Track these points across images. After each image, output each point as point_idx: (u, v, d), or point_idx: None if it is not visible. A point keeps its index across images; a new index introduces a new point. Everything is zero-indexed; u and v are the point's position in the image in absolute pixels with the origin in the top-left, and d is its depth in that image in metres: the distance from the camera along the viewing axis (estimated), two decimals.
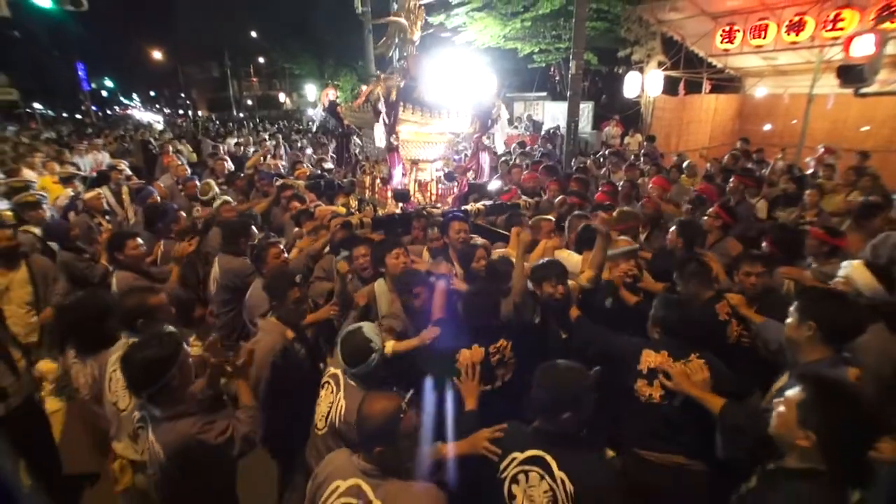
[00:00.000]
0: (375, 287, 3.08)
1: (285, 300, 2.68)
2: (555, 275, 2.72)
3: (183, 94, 54.04)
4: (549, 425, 1.77)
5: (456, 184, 4.93)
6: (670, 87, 11.91)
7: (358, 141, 6.30)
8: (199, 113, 46.12)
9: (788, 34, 8.71)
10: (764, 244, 3.41)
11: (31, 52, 38.82)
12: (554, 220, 4.02)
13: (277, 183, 5.76)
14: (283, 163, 8.66)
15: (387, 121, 4.22)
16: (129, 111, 53.21)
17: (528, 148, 10.28)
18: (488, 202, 4.80)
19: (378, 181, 4.83)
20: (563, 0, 11.66)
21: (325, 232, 3.85)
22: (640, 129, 12.23)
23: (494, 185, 5.46)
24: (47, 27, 31.52)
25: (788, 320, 2.09)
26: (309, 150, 13.48)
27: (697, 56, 11.98)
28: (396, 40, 4.93)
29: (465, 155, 6.52)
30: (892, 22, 7.06)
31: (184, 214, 4.76)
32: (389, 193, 4.54)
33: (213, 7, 38.24)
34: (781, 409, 1.55)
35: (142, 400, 1.96)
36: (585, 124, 13.42)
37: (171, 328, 2.07)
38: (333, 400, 2.21)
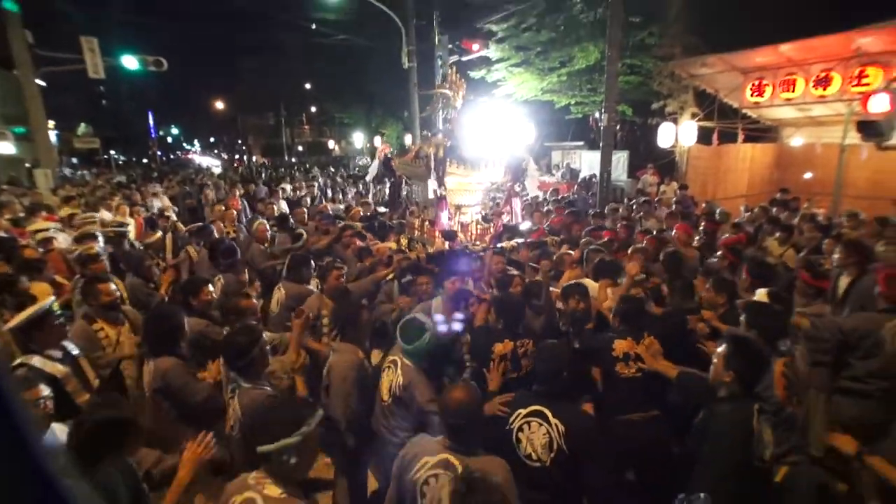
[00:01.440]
0: (433, 303, 3.82)
1: (358, 321, 3.17)
2: (579, 293, 3.53)
3: (240, 141, 57.72)
4: (547, 387, 2.43)
5: (492, 225, 5.94)
6: (704, 137, 12.25)
7: (407, 189, 7.16)
8: (254, 158, 49.11)
9: (816, 88, 9.04)
10: (744, 277, 3.98)
11: (112, 104, 43.12)
12: (576, 255, 4.74)
13: (340, 224, 6.36)
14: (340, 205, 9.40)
15: (436, 174, 5.32)
16: (189, 156, 57.05)
17: (560, 196, 10.77)
18: (520, 240, 5.52)
19: (426, 223, 5.85)
20: (597, 56, 12.34)
21: (383, 267, 4.57)
22: (675, 177, 12.54)
23: (525, 225, 6.41)
24: (127, 82, 34.90)
25: (741, 327, 2.89)
26: (350, 195, 14.52)
27: (731, 107, 12.33)
28: (440, 105, 6.03)
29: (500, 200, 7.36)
30: None
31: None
32: (437, 233, 5.49)
33: (273, 60, 40.88)
34: (715, 360, 2.37)
35: (233, 374, 2.59)
36: (621, 173, 13.83)
37: (254, 322, 2.88)
38: (393, 377, 2.84)
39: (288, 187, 14.35)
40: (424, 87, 17.03)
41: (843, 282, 4.19)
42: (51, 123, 17.70)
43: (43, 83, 13.66)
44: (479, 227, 5.91)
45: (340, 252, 5.71)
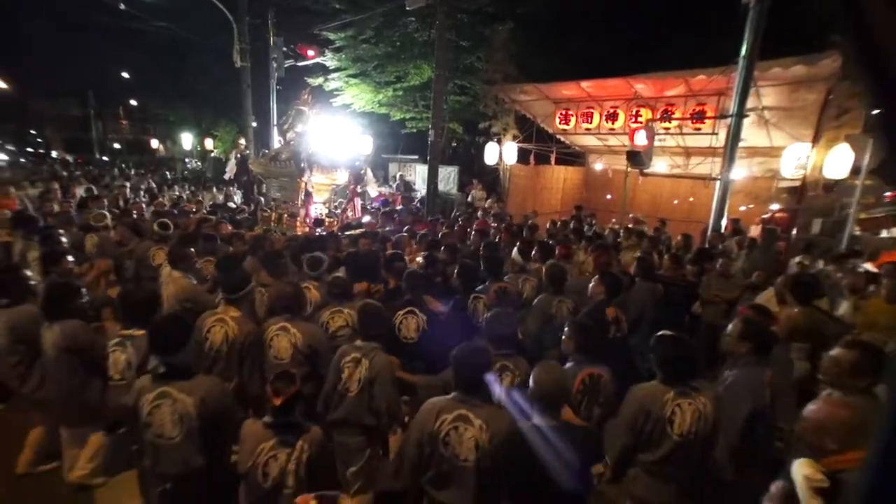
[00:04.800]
0: None
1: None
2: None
3: (34, 132, 48.21)
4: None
5: (337, 219, 8.00)
6: (525, 157, 13.44)
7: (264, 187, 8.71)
8: (54, 153, 41.41)
9: (607, 122, 10.52)
10: None
11: None
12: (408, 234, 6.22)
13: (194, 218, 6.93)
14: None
15: (306, 174, 7.35)
16: None
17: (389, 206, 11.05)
18: (360, 230, 6.80)
19: (286, 216, 7.63)
20: (430, 74, 12.78)
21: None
22: (499, 192, 13.52)
23: (365, 219, 8.11)
24: None
25: None
26: (175, 194, 13.12)
27: (546, 132, 13.73)
28: (295, 118, 7.75)
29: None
30: (669, 122, 9.06)
31: None
32: (298, 222, 7.48)
33: (75, 38, 34.32)
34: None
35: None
36: (452, 186, 14.51)
37: None
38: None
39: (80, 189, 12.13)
40: (259, 89, 16.01)
41: None
42: None
43: None
44: (327, 219, 7.72)
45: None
